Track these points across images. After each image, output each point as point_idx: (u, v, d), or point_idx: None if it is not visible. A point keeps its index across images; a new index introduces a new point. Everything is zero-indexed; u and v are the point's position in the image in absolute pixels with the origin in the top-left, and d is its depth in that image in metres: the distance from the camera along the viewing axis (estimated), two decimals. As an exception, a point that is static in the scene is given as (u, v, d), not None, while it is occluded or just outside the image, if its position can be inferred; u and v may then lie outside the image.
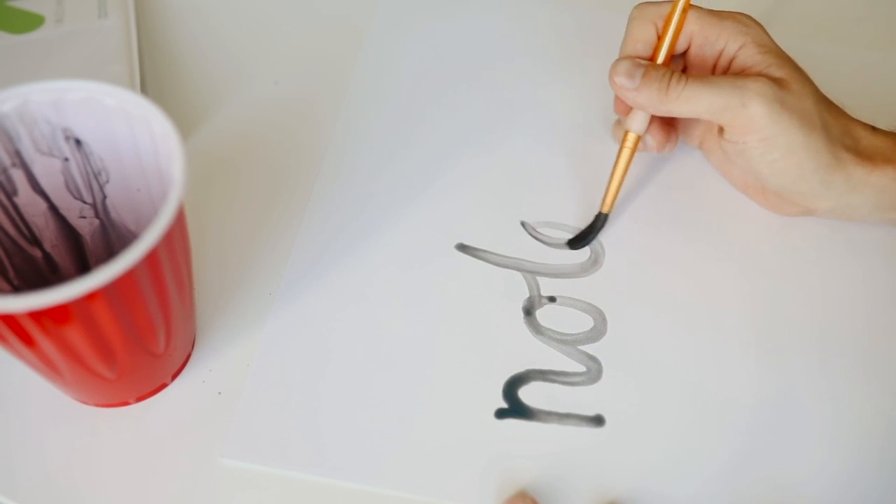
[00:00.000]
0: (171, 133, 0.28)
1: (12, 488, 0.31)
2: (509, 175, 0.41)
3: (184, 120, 0.42)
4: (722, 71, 0.36)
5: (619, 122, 0.41)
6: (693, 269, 0.38)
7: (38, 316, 0.25)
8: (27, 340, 0.26)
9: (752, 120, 0.34)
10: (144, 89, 0.41)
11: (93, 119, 0.30)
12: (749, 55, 0.35)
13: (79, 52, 0.41)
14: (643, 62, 0.36)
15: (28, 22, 0.42)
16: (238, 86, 0.44)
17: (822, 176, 0.35)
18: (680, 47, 0.37)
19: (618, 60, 0.36)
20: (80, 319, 0.26)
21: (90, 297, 0.25)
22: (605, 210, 0.38)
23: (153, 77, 0.44)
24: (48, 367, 0.29)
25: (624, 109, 0.39)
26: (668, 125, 0.39)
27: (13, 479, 0.31)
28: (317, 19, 0.48)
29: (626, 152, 0.38)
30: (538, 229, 0.39)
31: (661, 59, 0.36)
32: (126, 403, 0.33)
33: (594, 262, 0.38)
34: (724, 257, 0.38)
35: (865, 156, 0.35)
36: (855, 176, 0.35)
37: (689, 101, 0.34)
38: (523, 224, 0.39)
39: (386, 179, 0.40)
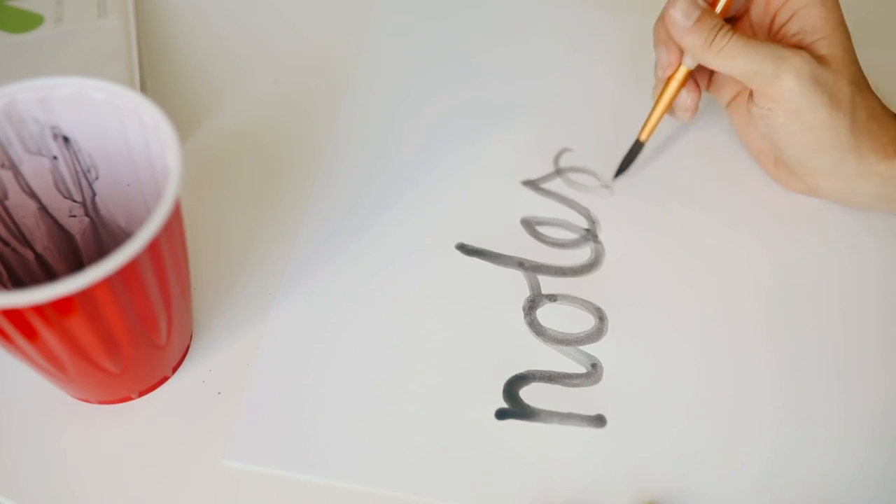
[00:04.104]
0: (164, 123, 0.27)
1: (12, 488, 0.31)
2: (509, 174, 0.41)
3: (184, 120, 0.42)
4: (781, 22, 0.37)
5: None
6: (694, 269, 0.38)
7: (43, 310, 0.25)
8: (32, 337, 0.26)
9: (782, 92, 0.35)
10: (144, 89, 0.41)
11: (81, 115, 0.29)
12: (809, 17, 0.36)
13: (78, 52, 0.41)
14: (702, 4, 0.36)
15: (27, 21, 0.42)
16: (238, 86, 0.44)
17: (837, 155, 0.36)
18: None
19: None
20: (85, 312, 0.26)
21: (96, 287, 0.25)
22: (642, 139, 0.40)
23: (153, 77, 0.44)
24: (53, 365, 0.28)
25: None
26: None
27: (13, 479, 0.31)
28: (317, 18, 0.48)
29: (674, 83, 0.38)
30: (538, 228, 0.39)
31: (719, 7, 0.36)
32: (129, 398, 0.33)
33: (595, 262, 0.38)
34: (727, 255, 0.38)
35: (882, 144, 0.36)
36: (867, 162, 0.36)
37: (726, 58, 0.35)
38: (523, 223, 0.39)
39: (386, 179, 0.40)
